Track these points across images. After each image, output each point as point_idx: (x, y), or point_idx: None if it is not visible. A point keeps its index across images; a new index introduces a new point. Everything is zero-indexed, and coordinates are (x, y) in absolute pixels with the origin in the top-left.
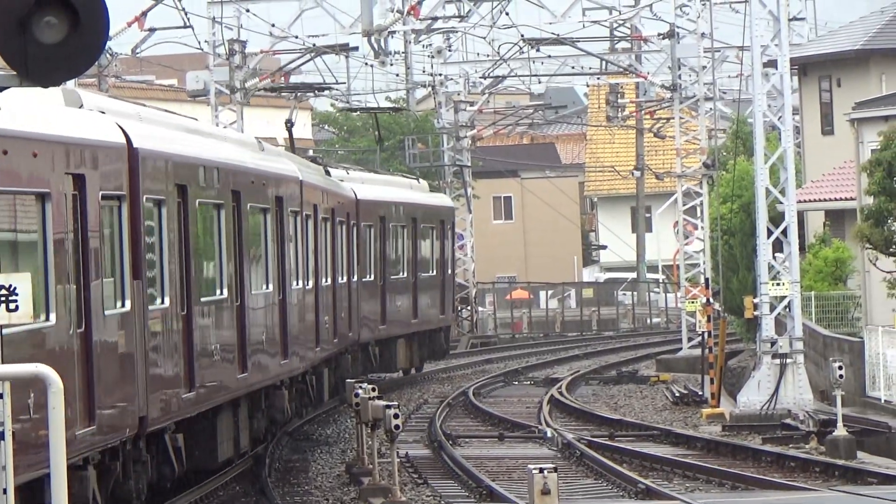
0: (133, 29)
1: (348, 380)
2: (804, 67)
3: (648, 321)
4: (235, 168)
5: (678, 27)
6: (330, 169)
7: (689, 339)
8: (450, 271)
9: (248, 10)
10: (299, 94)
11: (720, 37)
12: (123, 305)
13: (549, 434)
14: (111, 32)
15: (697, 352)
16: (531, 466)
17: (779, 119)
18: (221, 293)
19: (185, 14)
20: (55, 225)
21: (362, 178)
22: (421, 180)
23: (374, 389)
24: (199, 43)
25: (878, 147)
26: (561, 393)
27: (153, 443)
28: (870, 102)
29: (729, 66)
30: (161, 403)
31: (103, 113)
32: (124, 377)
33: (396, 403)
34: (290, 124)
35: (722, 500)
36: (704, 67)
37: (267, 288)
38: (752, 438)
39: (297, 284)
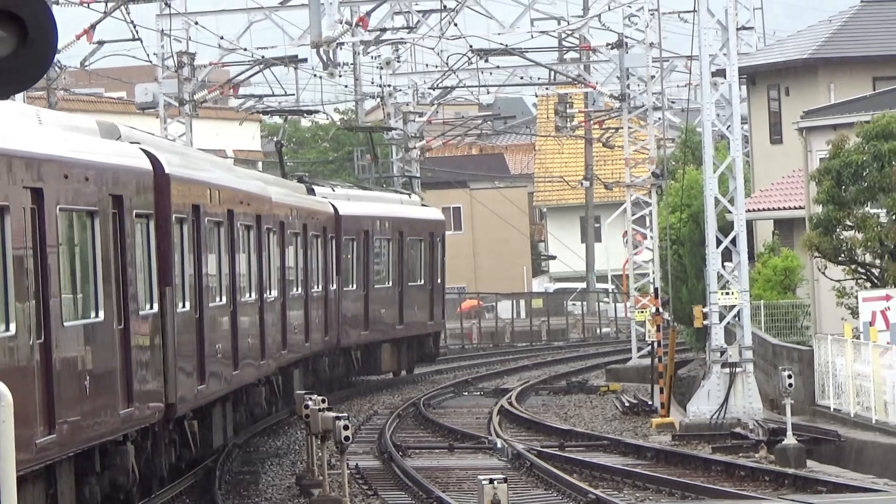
0: (82, 42)
1: (297, 391)
2: (753, 77)
3: (598, 331)
4: (232, 190)
5: (626, 37)
6: (315, 187)
7: (639, 349)
8: (439, 280)
9: (196, 23)
10: (287, 115)
11: (668, 46)
12: (153, 307)
13: (499, 445)
14: (60, 45)
15: (647, 361)
16: (481, 477)
17: (727, 128)
18: (221, 299)
19: (134, 26)
20: (103, 237)
21: (348, 195)
22: (413, 195)
23: (323, 401)
24: (148, 55)
25: (827, 156)
26: (511, 403)
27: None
28: (818, 111)
29: (677, 76)
30: (183, 393)
31: (135, 143)
32: (157, 368)
33: (346, 415)
34: (279, 145)
35: None
36: (653, 77)
37: (251, 296)
38: (701, 448)
39: (271, 294)
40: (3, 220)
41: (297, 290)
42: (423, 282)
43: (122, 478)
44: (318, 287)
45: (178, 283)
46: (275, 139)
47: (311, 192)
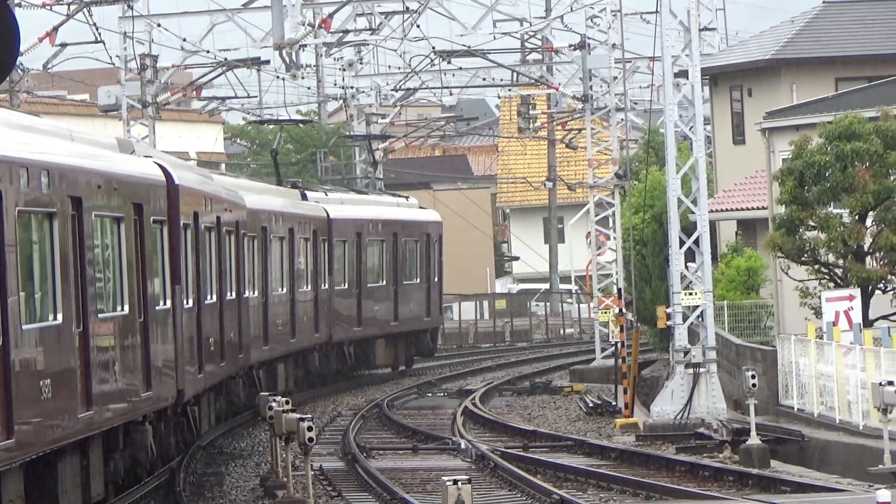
0: (44, 44)
1: (261, 393)
2: (715, 77)
3: (561, 332)
4: (222, 199)
5: (589, 38)
6: (308, 192)
7: (603, 350)
8: (436, 279)
9: (159, 25)
10: (281, 124)
11: (631, 47)
12: (166, 303)
13: (463, 445)
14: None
15: (611, 362)
16: (445, 478)
17: (690, 129)
18: (212, 298)
19: (97, 29)
20: (126, 240)
21: (342, 199)
22: (410, 198)
23: (287, 402)
24: (111, 58)
25: (790, 156)
26: (475, 404)
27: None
28: (781, 112)
29: (640, 77)
30: (190, 380)
31: (148, 157)
32: (170, 358)
33: (310, 416)
34: (274, 154)
35: None
36: (616, 78)
37: (231, 295)
38: (665, 448)
39: (253, 293)
40: (51, 224)
41: (282, 289)
42: (419, 280)
43: (142, 454)
44: (307, 286)
45: (182, 282)
46: (271, 148)
47: (304, 197)
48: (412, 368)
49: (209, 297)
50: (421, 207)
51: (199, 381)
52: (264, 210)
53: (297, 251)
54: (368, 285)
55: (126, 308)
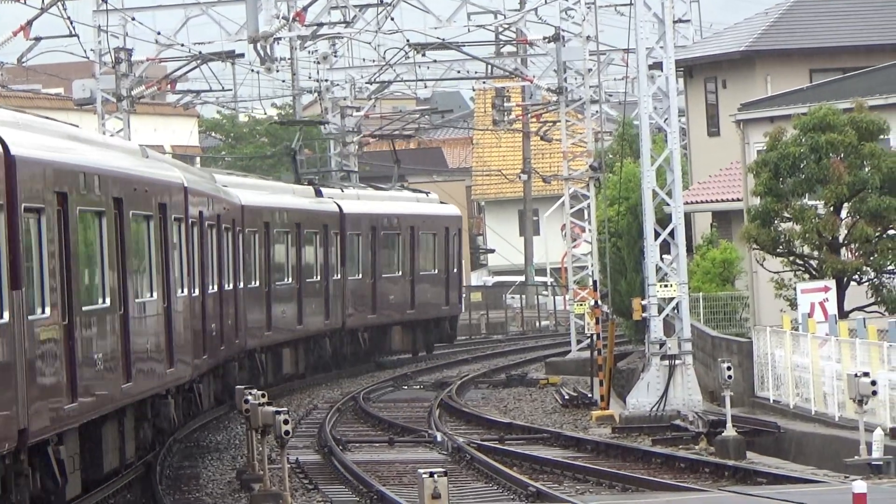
0: (18, 38)
1: (238, 386)
2: (690, 69)
3: (537, 324)
4: (221, 198)
5: (563, 30)
6: (324, 189)
7: (578, 342)
8: (455, 269)
9: (133, 19)
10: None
11: (605, 39)
12: (184, 291)
13: (439, 438)
14: None
15: (586, 354)
16: (421, 471)
17: (665, 121)
18: (213, 288)
19: (71, 23)
20: (156, 234)
21: (358, 195)
22: (431, 194)
23: (263, 395)
24: (85, 51)
25: (765, 148)
26: (451, 397)
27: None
28: (755, 104)
29: (615, 69)
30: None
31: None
32: (189, 339)
33: (286, 409)
34: (293, 153)
35: (612, 502)
36: (590, 70)
37: (229, 286)
38: (641, 440)
39: (255, 284)
40: (100, 221)
41: (289, 279)
42: (436, 271)
43: (166, 423)
44: (316, 276)
45: (189, 273)
46: (291, 146)
47: (318, 193)
48: (408, 356)
49: (211, 287)
50: (441, 203)
51: (197, 365)
52: (264, 207)
53: (305, 244)
54: (383, 275)
55: (155, 295)
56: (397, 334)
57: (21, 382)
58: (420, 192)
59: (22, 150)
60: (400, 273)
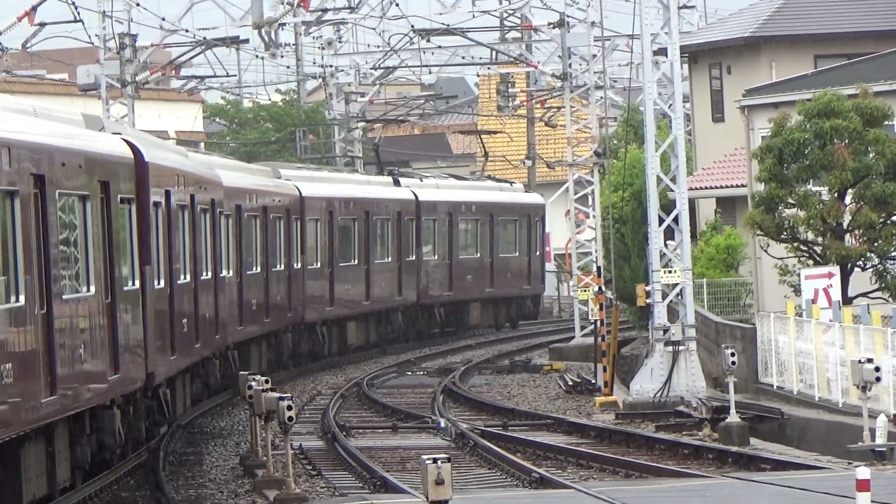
0: (23, 24)
1: (241, 372)
2: (694, 55)
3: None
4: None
5: (568, 16)
6: (402, 179)
7: (582, 328)
8: (537, 252)
9: (138, 4)
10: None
11: (610, 25)
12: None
13: (442, 424)
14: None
15: (590, 340)
16: (425, 457)
17: (669, 107)
18: (208, 274)
19: (76, 8)
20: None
21: (437, 184)
22: (515, 184)
23: (266, 381)
24: (90, 37)
25: (769, 134)
26: (454, 383)
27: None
28: (760, 89)
29: (619, 55)
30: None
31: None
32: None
33: (290, 395)
34: (375, 146)
35: (616, 488)
36: (595, 56)
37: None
38: (645, 426)
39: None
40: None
41: (355, 260)
42: (517, 253)
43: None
44: (386, 258)
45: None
46: (374, 140)
47: (396, 183)
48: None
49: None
50: (526, 191)
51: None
52: (321, 196)
53: (372, 228)
54: (460, 257)
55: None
56: (475, 311)
57: None
58: (504, 181)
59: None
60: (479, 254)
